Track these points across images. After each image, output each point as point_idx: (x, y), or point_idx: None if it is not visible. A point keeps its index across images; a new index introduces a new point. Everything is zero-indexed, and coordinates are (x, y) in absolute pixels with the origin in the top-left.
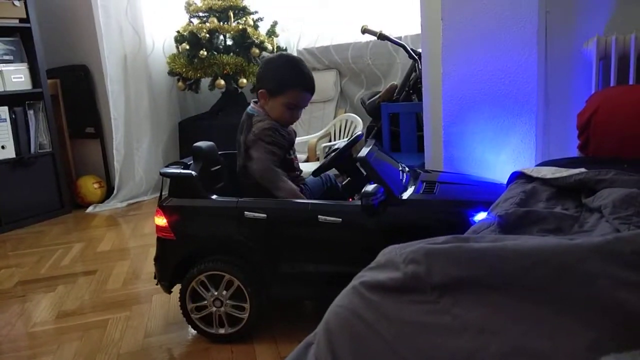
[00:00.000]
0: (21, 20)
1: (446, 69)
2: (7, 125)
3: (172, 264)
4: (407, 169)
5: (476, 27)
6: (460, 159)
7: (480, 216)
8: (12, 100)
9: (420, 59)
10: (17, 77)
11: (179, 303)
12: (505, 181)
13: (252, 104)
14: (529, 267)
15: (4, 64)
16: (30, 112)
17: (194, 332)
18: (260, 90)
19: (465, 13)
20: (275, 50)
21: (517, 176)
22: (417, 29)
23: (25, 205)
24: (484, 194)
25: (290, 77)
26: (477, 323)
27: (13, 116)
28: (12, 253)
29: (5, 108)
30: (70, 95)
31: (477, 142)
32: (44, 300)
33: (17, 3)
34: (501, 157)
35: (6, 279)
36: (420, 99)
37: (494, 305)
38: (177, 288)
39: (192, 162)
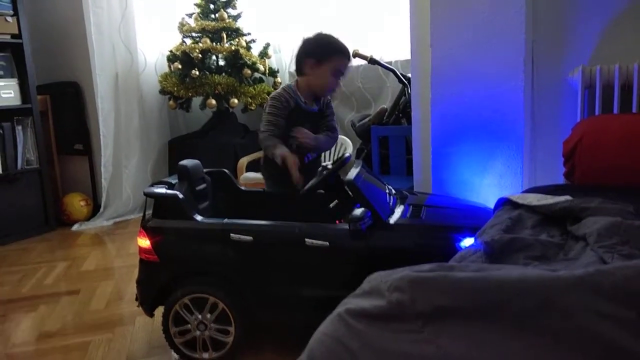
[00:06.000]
0: (13, 36)
1: (435, 94)
2: None
3: (155, 286)
4: (393, 191)
5: (464, 55)
6: (449, 182)
7: (467, 241)
8: (0, 115)
9: (409, 84)
10: (7, 92)
11: (162, 327)
12: (492, 204)
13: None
14: (512, 299)
15: None
16: (19, 128)
17: (177, 356)
18: (307, 60)
19: (453, 40)
20: (267, 72)
21: (503, 202)
22: (407, 55)
23: (10, 222)
24: (470, 218)
25: (333, 45)
26: (461, 355)
27: (1, 131)
28: None
29: None
30: (60, 111)
31: (465, 166)
32: (24, 321)
33: (9, 19)
34: (488, 181)
35: None
36: (409, 122)
37: (477, 337)
38: (159, 310)
39: (177, 181)
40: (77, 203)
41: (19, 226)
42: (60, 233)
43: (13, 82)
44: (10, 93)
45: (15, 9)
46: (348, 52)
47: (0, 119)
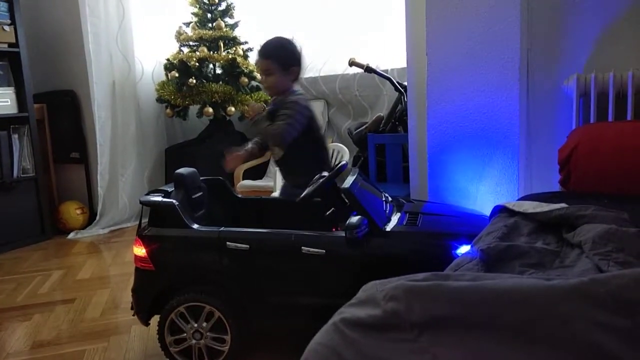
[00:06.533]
0: (10, 44)
1: (431, 102)
2: None
3: (150, 295)
4: (390, 198)
5: (460, 63)
6: (445, 189)
7: (463, 248)
8: None
9: (406, 92)
10: (3, 101)
11: (157, 336)
12: (488, 212)
13: None
14: (507, 309)
15: None
16: (15, 137)
17: None
18: None
19: (449, 49)
20: None
21: (499, 210)
22: (403, 63)
23: (5, 230)
24: (466, 226)
25: None
26: None
27: None
28: None
29: None
30: (57, 120)
31: (461, 174)
32: (19, 330)
33: (6, 28)
34: (484, 188)
35: None
36: (406, 130)
37: (473, 346)
38: (155, 319)
39: (173, 189)
40: (73, 211)
41: (14, 234)
42: (56, 241)
43: (10, 91)
44: (7, 101)
45: (12, 17)
46: (260, 52)
47: None
